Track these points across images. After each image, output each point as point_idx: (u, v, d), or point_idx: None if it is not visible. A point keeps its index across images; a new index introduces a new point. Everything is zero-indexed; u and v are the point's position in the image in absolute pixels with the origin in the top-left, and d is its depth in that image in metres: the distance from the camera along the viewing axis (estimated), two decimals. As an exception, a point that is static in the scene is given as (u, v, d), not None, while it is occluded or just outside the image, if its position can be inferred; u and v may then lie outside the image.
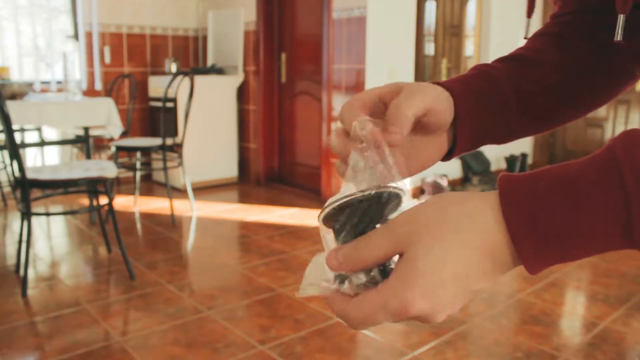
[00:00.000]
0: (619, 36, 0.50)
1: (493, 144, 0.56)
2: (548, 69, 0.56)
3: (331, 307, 0.39)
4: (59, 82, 4.49)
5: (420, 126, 0.48)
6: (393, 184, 0.40)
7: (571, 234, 0.33)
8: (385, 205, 0.40)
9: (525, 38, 0.63)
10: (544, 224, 0.33)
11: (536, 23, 4.77)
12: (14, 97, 3.17)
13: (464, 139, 0.52)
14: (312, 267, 0.42)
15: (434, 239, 0.35)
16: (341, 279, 0.40)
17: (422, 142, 0.50)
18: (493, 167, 4.94)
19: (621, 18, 0.49)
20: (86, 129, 3.24)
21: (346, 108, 0.45)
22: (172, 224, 3.59)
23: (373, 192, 0.38)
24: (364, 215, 0.39)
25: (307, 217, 3.84)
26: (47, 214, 3.86)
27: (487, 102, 0.53)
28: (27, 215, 2.47)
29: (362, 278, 0.39)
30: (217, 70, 4.85)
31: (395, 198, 0.40)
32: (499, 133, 0.55)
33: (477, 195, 0.37)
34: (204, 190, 4.59)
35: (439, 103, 0.47)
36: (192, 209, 3.94)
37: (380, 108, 0.47)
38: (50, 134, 4.51)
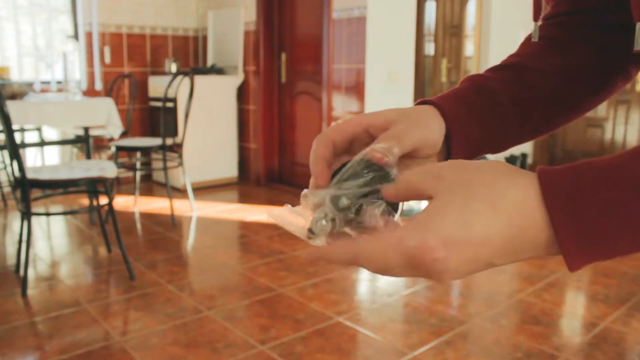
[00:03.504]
0: (638, 45, 0.48)
1: (490, 153, 0.55)
2: (543, 75, 0.55)
3: (332, 250, 0.37)
4: (59, 82, 4.49)
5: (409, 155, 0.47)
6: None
7: (615, 221, 0.32)
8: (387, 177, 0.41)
9: None
10: (587, 210, 0.32)
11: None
12: (14, 97, 3.17)
13: (458, 156, 0.51)
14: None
15: (473, 196, 0.35)
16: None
17: (412, 163, 0.48)
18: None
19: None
20: (86, 129, 3.24)
21: (316, 141, 0.45)
22: (172, 224, 3.59)
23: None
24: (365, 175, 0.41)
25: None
26: (47, 214, 3.86)
27: (482, 115, 0.51)
28: (27, 215, 2.47)
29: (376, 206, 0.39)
30: (217, 70, 4.85)
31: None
32: (496, 144, 0.54)
33: (523, 177, 0.35)
34: (204, 190, 4.59)
35: (428, 139, 0.47)
36: (192, 209, 3.93)
37: (364, 139, 0.46)
38: (50, 134, 4.51)
